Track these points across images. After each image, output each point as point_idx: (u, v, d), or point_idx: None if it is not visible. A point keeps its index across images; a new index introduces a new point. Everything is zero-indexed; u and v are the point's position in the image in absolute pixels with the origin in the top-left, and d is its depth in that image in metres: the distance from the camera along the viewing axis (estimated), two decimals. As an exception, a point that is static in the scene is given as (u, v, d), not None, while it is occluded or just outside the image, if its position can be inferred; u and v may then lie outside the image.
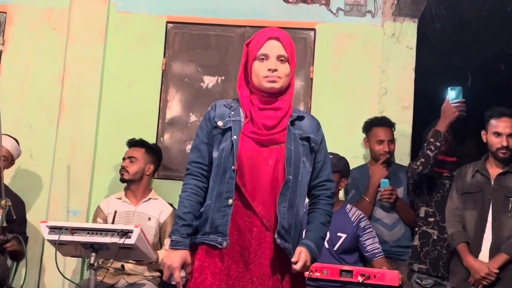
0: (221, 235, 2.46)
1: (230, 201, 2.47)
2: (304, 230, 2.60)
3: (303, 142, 2.56)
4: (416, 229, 4.11)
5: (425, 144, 3.94)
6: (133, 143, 4.43)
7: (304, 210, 2.60)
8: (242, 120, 2.55)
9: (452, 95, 3.90)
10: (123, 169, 4.31)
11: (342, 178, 4.00)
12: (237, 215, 2.48)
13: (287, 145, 2.51)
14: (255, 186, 2.49)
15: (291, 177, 2.48)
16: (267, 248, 2.48)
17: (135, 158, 4.32)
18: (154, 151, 4.44)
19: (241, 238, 2.48)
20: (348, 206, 4.06)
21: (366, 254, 3.95)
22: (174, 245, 2.50)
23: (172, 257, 2.48)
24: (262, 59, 2.53)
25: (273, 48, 2.53)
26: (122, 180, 4.32)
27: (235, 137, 2.51)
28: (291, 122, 2.56)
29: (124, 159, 4.36)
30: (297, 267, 2.44)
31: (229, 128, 2.54)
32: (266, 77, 2.52)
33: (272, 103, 2.55)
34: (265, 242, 2.48)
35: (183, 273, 2.48)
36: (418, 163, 3.93)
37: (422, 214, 4.10)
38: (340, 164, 3.99)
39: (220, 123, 2.56)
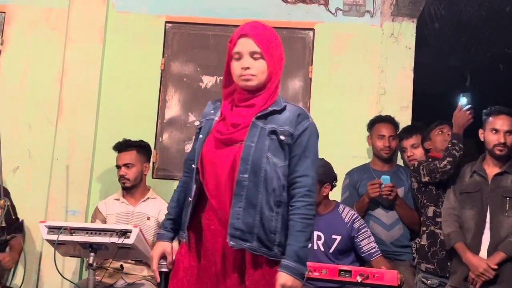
0: (184, 232, 2.57)
1: (189, 199, 2.56)
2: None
3: (272, 136, 2.49)
4: (424, 228, 4.10)
5: (450, 145, 3.96)
6: (122, 147, 4.36)
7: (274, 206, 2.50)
8: (216, 119, 2.58)
9: (464, 101, 3.99)
10: (122, 178, 4.28)
11: (324, 185, 3.92)
12: (202, 213, 2.55)
13: (247, 142, 2.47)
14: (215, 185, 2.51)
15: (246, 176, 2.45)
16: (222, 246, 2.49)
17: (131, 164, 4.29)
18: (144, 149, 4.41)
19: (201, 235, 2.55)
20: (341, 206, 4.05)
21: (363, 255, 3.94)
22: (158, 238, 2.68)
23: (154, 249, 2.65)
24: (237, 58, 2.52)
25: (244, 45, 2.50)
26: (125, 188, 4.30)
27: (201, 136, 2.58)
28: (263, 116, 2.52)
29: (119, 167, 4.33)
30: None
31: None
32: (241, 75, 2.51)
33: (248, 100, 2.54)
34: (219, 241, 2.50)
35: (164, 263, 2.62)
36: (445, 162, 3.94)
37: (430, 213, 4.09)
38: (318, 172, 3.92)
39: (197, 123, 2.65)
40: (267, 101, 2.52)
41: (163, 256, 2.62)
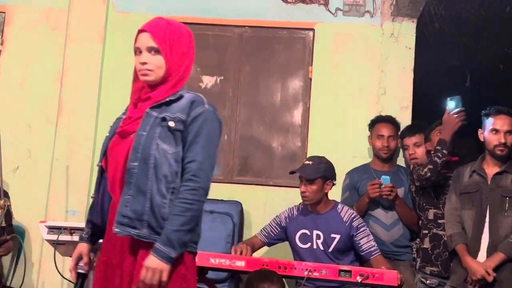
0: (88, 228, 2.65)
1: (92, 196, 2.64)
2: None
3: (163, 123, 2.49)
4: (425, 231, 4.09)
5: (432, 152, 3.97)
6: None
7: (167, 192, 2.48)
8: (123, 116, 2.63)
9: (452, 105, 3.96)
10: None
11: (326, 181, 3.96)
12: (111, 208, 2.56)
13: (139, 132, 2.49)
14: (113, 179, 2.53)
15: (136, 164, 2.45)
16: (122, 238, 2.48)
17: None
18: None
19: (108, 230, 2.56)
20: (340, 206, 4.05)
21: (362, 254, 3.93)
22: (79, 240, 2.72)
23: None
24: (137, 53, 2.55)
25: (142, 40, 2.53)
26: None
27: (107, 134, 2.62)
28: (159, 106, 2.52)
29: None
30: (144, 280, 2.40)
31: None
32: (139, 70, 2.54)
33: (147, 94, 2.57)
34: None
35: (82, 264, 2.64)
36: (425, 169, 3.94)
37: (431, 216, 4.09)
38: (321, 169, 3.95)
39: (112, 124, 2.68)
40: (165, 94, 2.54)
41: (81, 258, 2.64)
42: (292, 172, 4.04)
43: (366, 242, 3.91)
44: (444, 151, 3.93)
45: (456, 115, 3.94)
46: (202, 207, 2.47)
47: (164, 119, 2.49)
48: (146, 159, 2.45)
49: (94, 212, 2.64)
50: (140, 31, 2.55)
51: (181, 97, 2.55)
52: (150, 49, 2.52)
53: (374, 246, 3.91)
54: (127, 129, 2.54)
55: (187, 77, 2.61)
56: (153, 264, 2.37)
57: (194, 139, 2.48)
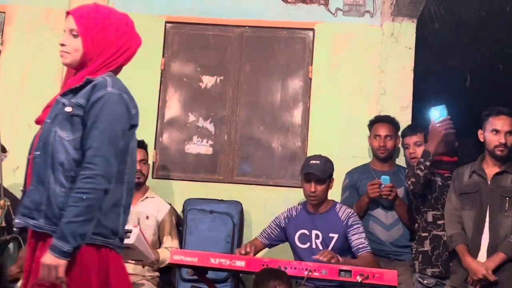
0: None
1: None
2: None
3: (63, 109, 2.42)
4: (425, 234, 4.09)
5: (415, 164, 3.98)
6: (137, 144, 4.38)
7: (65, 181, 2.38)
8: None
9: (436, 114, 3.94)
10: (139, 172, 4.19)
11: (330, 179, 3.98)
12: None
13: (46, 119, 2.46)
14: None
15: (38, 153, 2.41)
16: (29, 231, 2.44)
17: (145, 160, 4.35)
18: (146, 149, 4.45)
19: None
20: (338, 205, 4.04)
21: (353, 250, 3.91)
22: None
23: None
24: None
25: (66, 23, 2.51)
26: (139, 183, 4.22)
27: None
28: (69, 93, 2.46)
29: None
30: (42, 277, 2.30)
31: None
32: (59, 52, 2.51)
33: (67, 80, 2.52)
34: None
35: None
36: (409, 182, 3.96)
37: (430, 219, 4.09)
38: (329, 167, 3.96)
39: None
40: (79, 80, 2.45)
41: None
42: (308, 173, 3.97)
43: (356, 239, 3.87)
44: (427, 163, 3.92)
45: (439, 125, 3.93)
46: (101, 195, 2.32)
47: (63, 105, 2.43)
48: (46, 148, 2.40)
49: None
50: (66, 14, 2.54)
51: (89, 82, 2.43)
52: (70, 31, 2.49)
53: (363, 243, 3.87)
54: (41, 118, 2.51)
55: (115, 65, 2.52)
56: (48, 260, 2.28)
57: (92, 125, 2.37)
